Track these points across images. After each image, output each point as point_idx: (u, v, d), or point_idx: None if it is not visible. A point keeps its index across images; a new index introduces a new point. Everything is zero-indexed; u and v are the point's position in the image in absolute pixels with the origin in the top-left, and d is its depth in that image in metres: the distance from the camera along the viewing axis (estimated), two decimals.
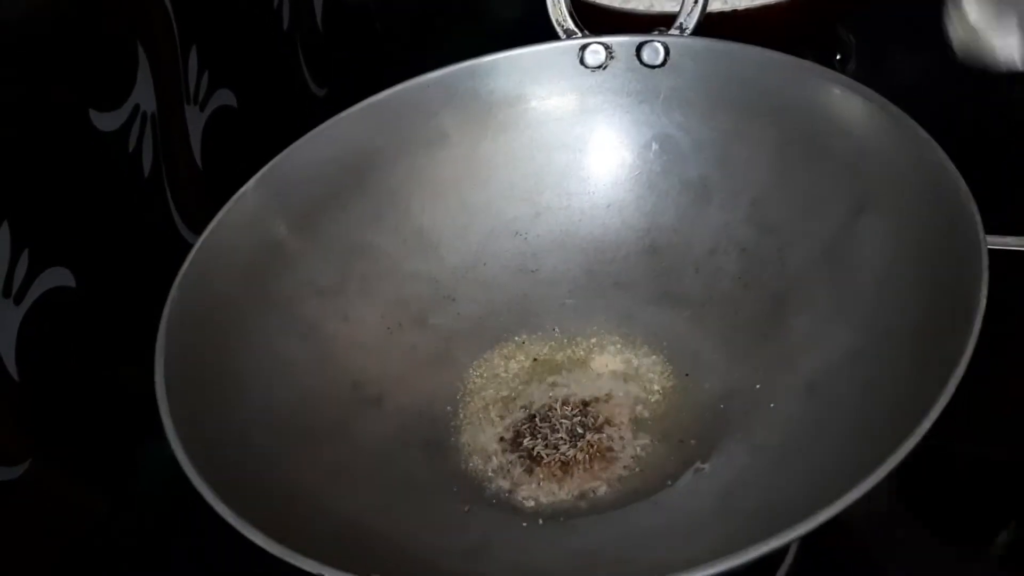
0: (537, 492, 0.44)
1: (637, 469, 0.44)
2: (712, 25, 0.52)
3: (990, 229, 0.47)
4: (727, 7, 0.61)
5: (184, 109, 0.59)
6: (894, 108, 0.45)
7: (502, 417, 0.48)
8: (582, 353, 0.50)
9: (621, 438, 0.46)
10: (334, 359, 0.48)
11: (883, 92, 0.47)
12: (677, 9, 0.52)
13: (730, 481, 0.42)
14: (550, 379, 0.49)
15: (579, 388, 0.48)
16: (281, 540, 0.34)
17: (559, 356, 0.50)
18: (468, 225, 0.53)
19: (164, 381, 0.40)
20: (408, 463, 0.45)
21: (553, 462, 0.45)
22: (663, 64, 0.51)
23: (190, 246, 0.46)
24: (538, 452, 0.45)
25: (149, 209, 0.56)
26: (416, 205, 0.52)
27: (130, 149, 0.54)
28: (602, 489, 0.44)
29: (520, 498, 0.44)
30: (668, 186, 0.52)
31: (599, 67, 0.53)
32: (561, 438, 0.46)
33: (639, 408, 0.47)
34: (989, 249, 0.39)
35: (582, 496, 0.44)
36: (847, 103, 0.47)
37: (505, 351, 0.50)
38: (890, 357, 0.41)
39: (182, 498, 0.37)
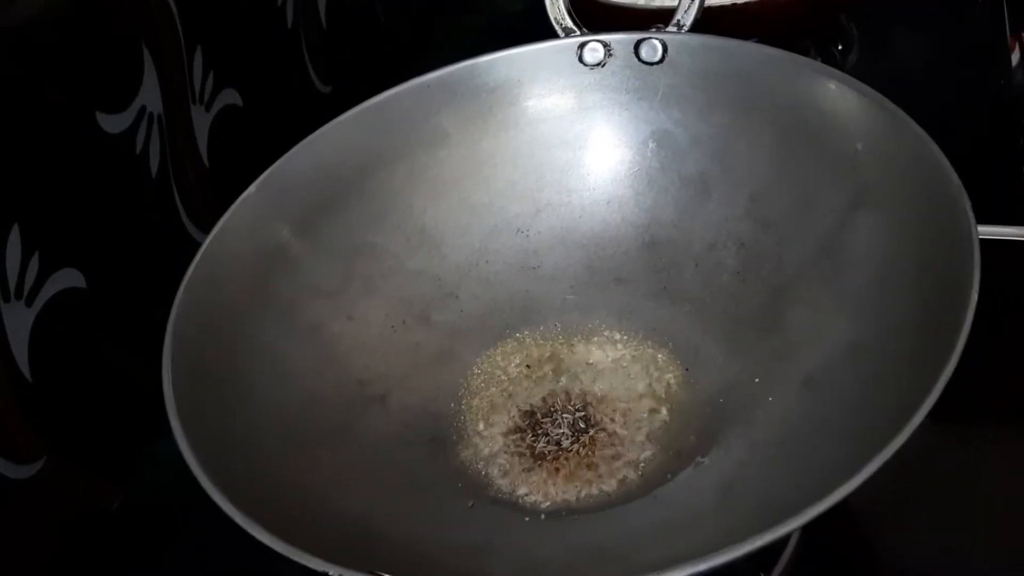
0: (539, 488, 0.45)
1: (637, 464, 0.45)
2: (713, 19, 0.52)
3: (992, 217, 0.47)
4: (727, 0, 0.61)
5: (190, 109, 0.59)
6: (889, 103, 0.45)
7: (504, 413, 0.48)
8: (583, 348, 0.50)
9: (622, 433, 0.46)
10: (339, 358, 0.48)
11: (884, 82, 0.47)
12: (676, 3, 0.52)
13: (729, 475, 0.43)
14: (552, 375, 0.49)
15: (580, 384, 0.48)
16: (288, 538, 0.35)
17: (561, 352, 0.50)
18: (470, 223, 0.53)
19: (172, 386, 0.41)
20: (412, 461, 0.46)
21: (555, 458, 0.46)
22: (661, 61, 0.51)
23: (198, 245, 0.47)
24: (540, 448, 0.46)
25: (157, 209, 0.57)
26: (418, 204, 0.53)
27: (137, 150, 0.54)
28: (603, 484, 0.44)
29: (523, 494, 0.45)
30: (667, 182, 0.52)
31: (598, 65, 0.53)
32: (563, 434, 0.46)
33: (639, 403, 0.47)
34: (990, 239, 0.39)
35: (584, 492, 0.44)
36: (842, 98, 0.47)
37: (507, 347, 0.51)
38: (886, 350, 0.41)
39: (191, 494, 0.37)
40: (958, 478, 0.46)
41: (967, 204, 0.40)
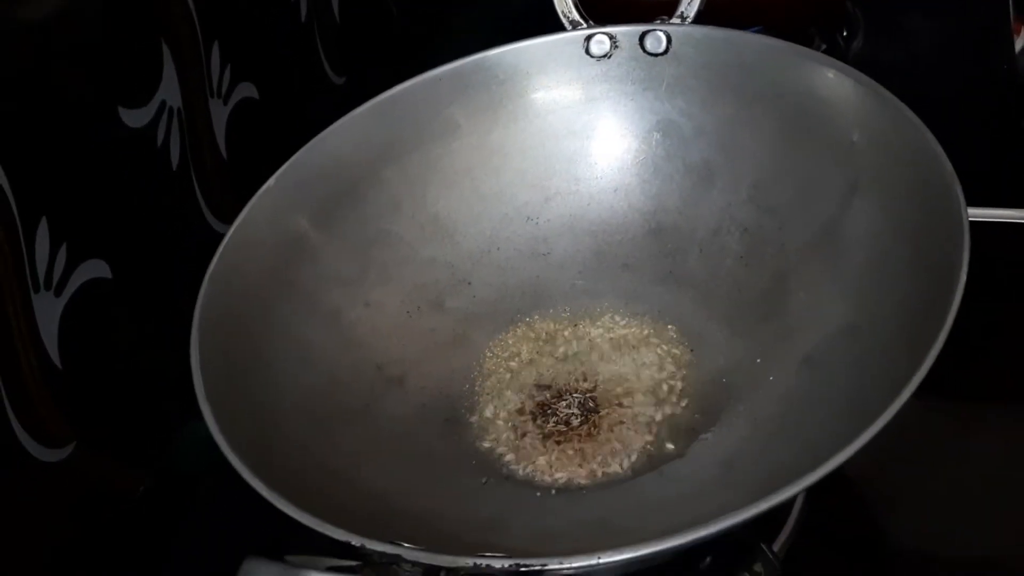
0: (549, 465, 0.46)
1: (644, 442, 0.46)
2: (718, 8, 0.53)
3: (995, 199, 0.48)
4: None
5: (208, 103, 0.59)
6: (884, 91, 0.46)
7: (516, 395, 0.49)
8: (592, 332, 0.51)
9: (629, 413, 0.47)
10: (358, 343, 0.49)
11: (890, 67, 0.48)
12: None
13: (732, 451, 0.44)
14: (561, 358, 0.50)
15: (588, 366, 0.50)
16: (314, 512, 0.36)
17: (570, 335, 0.51)
18: (482, 212, 0.54)
19: (201, 372, 0.42)
20: (429, 440, 0.47)
21: (564, 436, 0.47)
22: (665, 52, 0.52)
23: (218, 234, 0.47)
24: (550, 427, 0.47)
25: (178, 200, 0.57)
26: (431, 194, 0.54)
27: (158, 143, 0.55)
28: (611, 461, 0.45)
29: (533, 471, 0.46)
30: (672, 170, 0.53)
31: (604, 56, 0.54)
32: (572, 413, 0.47)
33: (646, 384, 0.48)
34: (990, 222, 0.40)
35: (592, 469, 0.45)
36: (840, 87, 0.48)
37: (519, 332, 0.52)
38: (881, 330, 0.42)
39: (215, 478, 0.39)
40: (954, 457, 0.47)
41: (959, 190, 0.41)
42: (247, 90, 0.64)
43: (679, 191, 0.53)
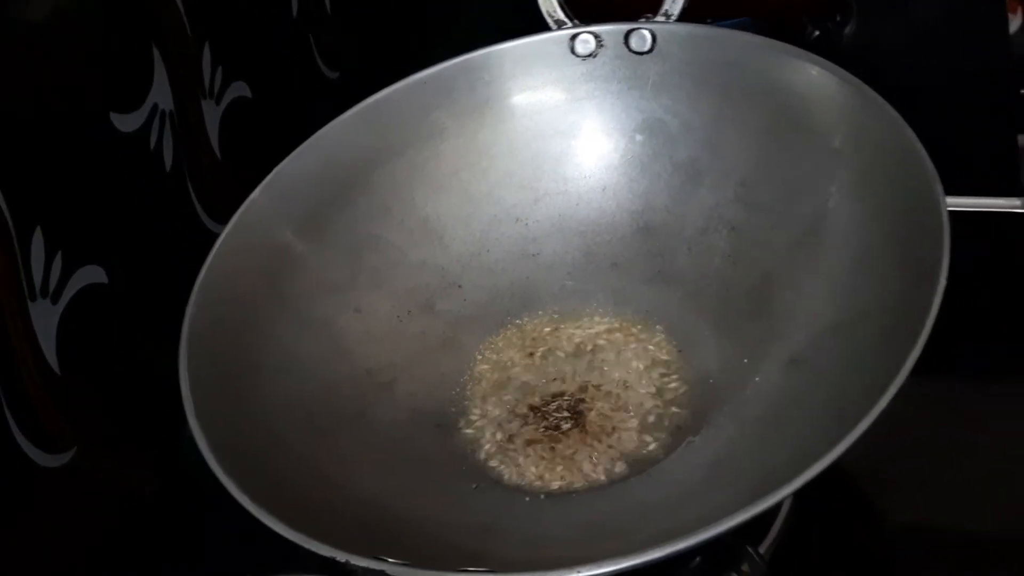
0: (539, 469, 0.46)
1: (633, 445, 0.46)
2: None
3: (989, 185, 0.47)
4: None
5: (201, 104, 0.59)
6: (867, 89, 0.46)
7: (506, 398, 0.49)
8: (581, 333, 0.51)
9: (617, 416, 0.47)
10: (348, 349, 0.49)
11: (884, 52, 0.47)
12: None
13: (720, 452, 0.44)
14: (551, 360, 0.51)
15: (579, 368, 0.50)
16: (297, 524, 0.36)
17: (560, 337, 0.51)
18: (471, 214, 0.54)
19: (189, 384, 0.42)
20: (420, 445, 0.47)
21: (554, 440, 0.47)
22: (651, 51, 0.52)
23: (212, 235, 0.47)
24: (540, 431, 0.47)
25: (172, 203, 0.57)
26: (420, 197, 0.54)
27: (151, 147, 0.55)
28: (600, 465, 0.46)
29: (524, 476, 0.46)
30: (660, 168, 0.53)
31: (589, 56, 0.54)
32: (562, 417, 0.48)
33: (635, 386, 0.48)
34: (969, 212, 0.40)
35: (582, 472, 0.46)
36: (824, 84, 0.48)
37: (509, 334, 0.52)
38: (865, 328, 0.43)
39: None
40: (945, 454, 0.48)
41: (939, 189, 0.41)
42: (240, 89, 0.63)
43: (667, 189, 0.53)
